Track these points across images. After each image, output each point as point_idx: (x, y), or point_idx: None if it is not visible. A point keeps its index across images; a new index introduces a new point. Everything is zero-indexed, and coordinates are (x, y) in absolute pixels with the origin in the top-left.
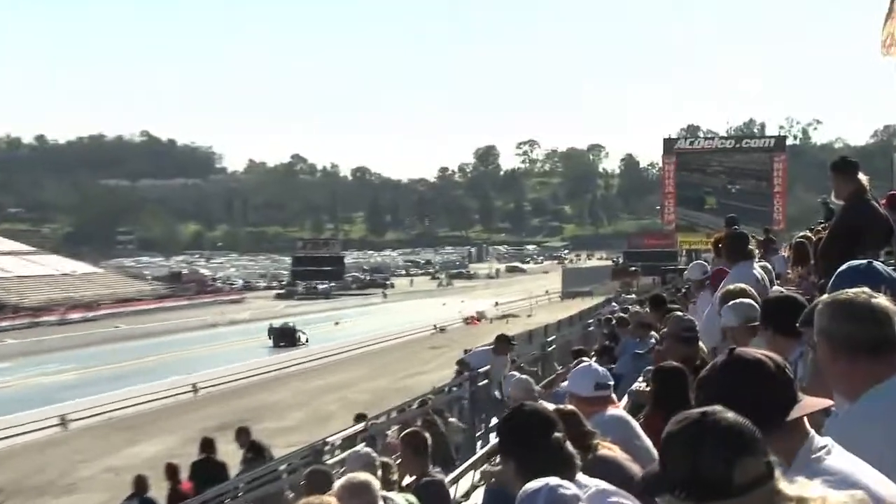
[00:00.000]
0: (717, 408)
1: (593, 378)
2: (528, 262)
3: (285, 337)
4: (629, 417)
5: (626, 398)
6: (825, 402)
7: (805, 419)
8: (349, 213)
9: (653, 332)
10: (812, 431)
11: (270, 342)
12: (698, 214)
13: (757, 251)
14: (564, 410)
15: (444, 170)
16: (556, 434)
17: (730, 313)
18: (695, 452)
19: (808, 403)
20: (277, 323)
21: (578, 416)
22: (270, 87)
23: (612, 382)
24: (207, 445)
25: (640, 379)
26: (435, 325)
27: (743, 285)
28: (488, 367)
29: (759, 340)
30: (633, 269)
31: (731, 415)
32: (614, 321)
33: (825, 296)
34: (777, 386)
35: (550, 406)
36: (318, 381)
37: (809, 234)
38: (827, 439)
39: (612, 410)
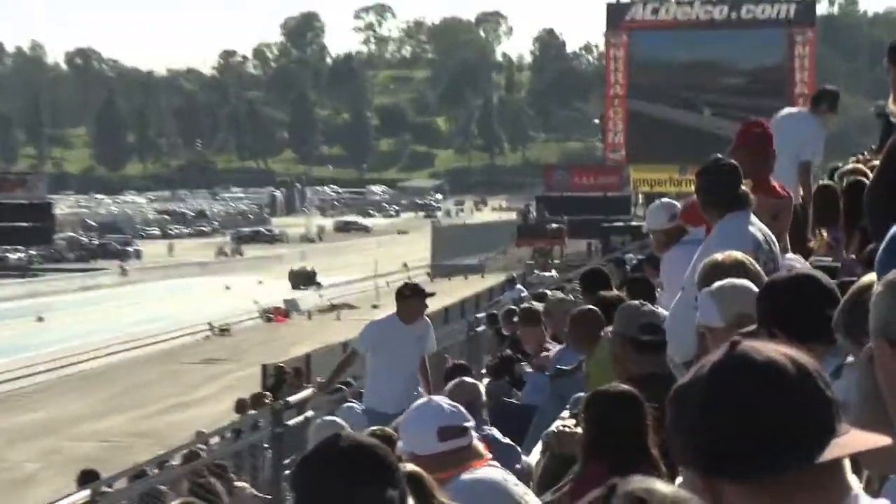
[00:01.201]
0: (634, 481)
1: (433, 420)
2: (373, 215)
3: (303, 279)
4: (511, 483)
5: (537, 448)
6: (881, 440)
7: (847, 468)
8: (62, 129)
9: None
10: (856, 488)
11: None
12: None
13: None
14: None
15: (228, 55)
16: (390, 492)
17: (711, 305)
18: None
19: (853, 440)
20: (297, 266)
21: (424, 482)
22: None
23: (469, 424)
24: None
25: (565, 414)
26: (211, 324)
27: (738, 255)
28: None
29: None
30: (555, 226)
31: (659, 487)
32: (519, 317)
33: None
34: (803, 405)
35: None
36: (8, 418)
37: (860, 166)
38: (883, 502)
39: (478, 472)
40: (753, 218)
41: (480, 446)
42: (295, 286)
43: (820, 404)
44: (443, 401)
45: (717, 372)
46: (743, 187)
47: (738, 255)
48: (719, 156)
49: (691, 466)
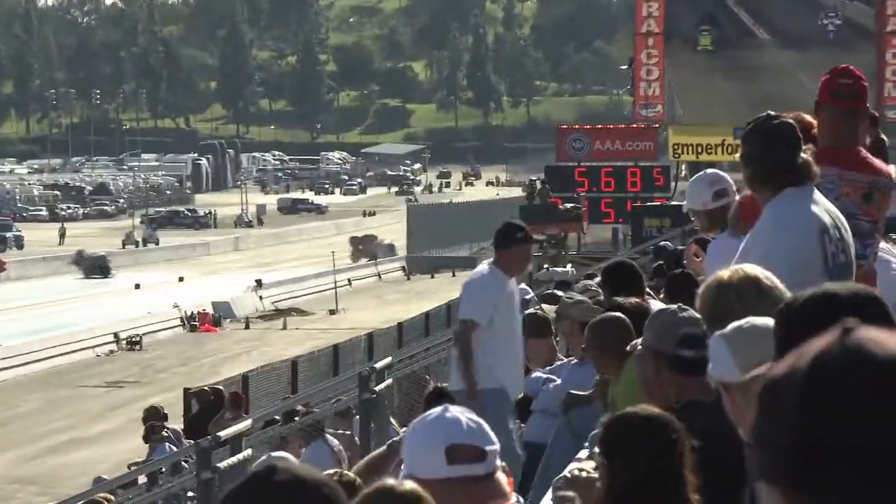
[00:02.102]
0: None
1: (444, 435)
2: (329, 192)
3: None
4: None
5: (546, 498)
6: None
7: None
8: None
9: None
10: None
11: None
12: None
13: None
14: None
15: None
16: None
17: (724, 353)
18: None
19: None
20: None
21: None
22: None
23: (493, 448)
24: None
25: (582, 454)
26: (117, 335)
27: (750, 270)
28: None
29: None
30: (570, 206)
31: None
32: (522, 326)
33: None
34: None
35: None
36: None
37: None
38: None
39: None
40: (818, 195)
41: (504, 481)
42: (357, 259)
43: None
44: (462, 412)
45: (822, 364)
46: (804, 154)
47: (750, 269)
48: (771, 113)
49: (777, 483)
